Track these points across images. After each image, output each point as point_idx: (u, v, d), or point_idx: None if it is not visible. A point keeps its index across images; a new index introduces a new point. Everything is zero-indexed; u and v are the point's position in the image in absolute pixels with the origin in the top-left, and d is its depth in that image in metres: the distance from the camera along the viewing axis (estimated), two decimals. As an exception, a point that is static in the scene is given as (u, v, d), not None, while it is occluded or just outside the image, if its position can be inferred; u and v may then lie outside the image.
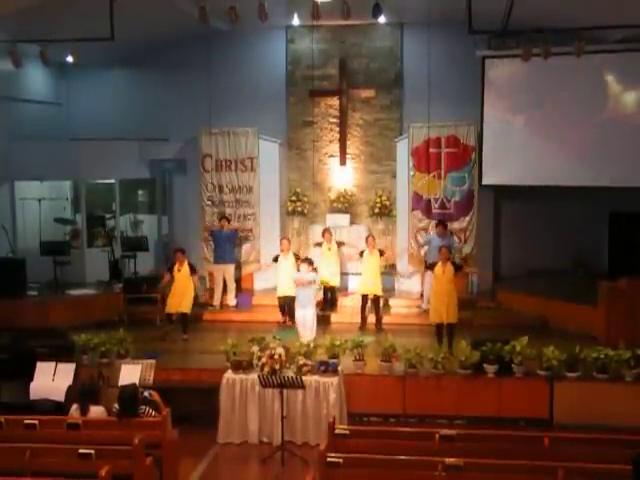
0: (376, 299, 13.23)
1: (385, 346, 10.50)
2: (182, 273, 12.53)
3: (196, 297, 13.13)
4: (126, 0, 10.64)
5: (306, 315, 11.69)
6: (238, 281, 14.73)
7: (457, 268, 11.77)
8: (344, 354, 10.38)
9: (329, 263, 13.79)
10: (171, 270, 12.63)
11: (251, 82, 15.72)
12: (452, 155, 14.34)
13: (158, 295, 13.69)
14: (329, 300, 13.89)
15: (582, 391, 9.94)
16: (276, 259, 13.28)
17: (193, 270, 12.69)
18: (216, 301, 14.31)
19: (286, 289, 12.92)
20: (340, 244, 14.10)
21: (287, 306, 13.05)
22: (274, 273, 13.72)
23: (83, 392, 8.06)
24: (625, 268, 12.71)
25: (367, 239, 13.32)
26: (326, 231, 14.02)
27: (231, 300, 14.34)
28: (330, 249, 13.87)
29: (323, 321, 13.09)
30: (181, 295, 12.50)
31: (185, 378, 10.59)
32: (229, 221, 14.52)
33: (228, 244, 14.28)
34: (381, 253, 13.29)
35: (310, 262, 11.92)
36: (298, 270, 12.30)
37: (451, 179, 14.39)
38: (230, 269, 14.34)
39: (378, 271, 13.23)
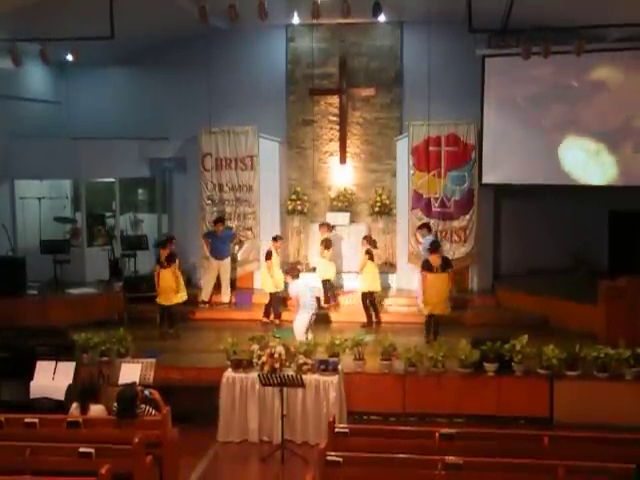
0: (372, 296, 13.34)
1: (385, 345, 10.50)
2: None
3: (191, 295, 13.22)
4: (126, -1, 10.65)
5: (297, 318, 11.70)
6: (233, 280, 14.73)
7: (449, 264, 12.03)
8: (344, 353, 10.40)
9: (324, 258, 13.90)
10: (159, 260, 12.69)
11: (251, 81, 15.72)
12: (452, 154, 14.34)
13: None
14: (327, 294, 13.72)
15: (582, 390, 9.94)
16: (269, 256, 13.38)
17: (173, 259, 12.62)
18: (204, 296, 14.30)
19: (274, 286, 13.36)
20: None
21: (274, 303, 13.23)
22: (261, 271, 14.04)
23: (83, 391, 8.06)
24: (625, 267, 12.72)
25: (366, 239, 13.43)
26: (323, 225, 14.16)
27: (225, 296, 14.34)
28: None
29: (323, 320, 13.12)
30: (169, 283, 12.50)
31: (185, 377, 10.59)
32: (224, 222, 14.53)
33: (222, 243, 14.33)
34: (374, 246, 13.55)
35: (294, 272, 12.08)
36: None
37: (451, 178, 14.39)
38: (226, 265, 14.36)
39: (376, 269, 13.35)
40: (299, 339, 11.12)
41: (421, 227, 13.91)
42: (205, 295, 14.33)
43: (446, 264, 11.97)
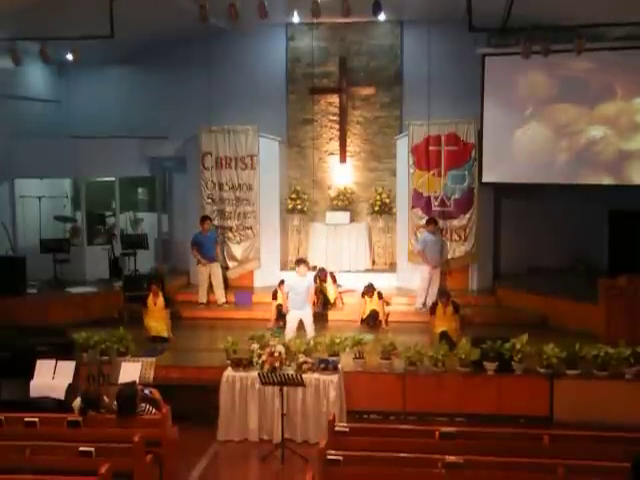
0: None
1: (385, 344, 10.50)
2: (157, 306, 12.24)
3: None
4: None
5: (304, 316, 11.65)
6: (225, 279, 14.65)
7: (456, 309, 11.87)
8: (344, 352, 10.39)
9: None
10: (145, 302, 12.30)
11: (251, 80, 15.74)
12: (452, 153, 14.34)
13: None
14: None
15: (582, 389, 9.94)
16: (275, 295, 13.14)
17: (168, 303, 12.42)
18: (202, 298, 14.22)
19: None
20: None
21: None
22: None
23: (85, 400, 8.01)
24: (625, 265, 12.72)
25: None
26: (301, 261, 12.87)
27: (220, 298, 14.25)
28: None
29: (322, 319, 13.12)
30: (157, 321, 12.19)
31: (185, 376, 10.60)
32: (211, 220, 14.46)
33: (211, 245, 14.25)
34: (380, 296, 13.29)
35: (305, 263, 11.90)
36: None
37: (451, 177, 14.38)
38: (216, 268, 14.26)
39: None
40: (311, 333, 11.26)
41: (428, 223, 13.84)
42: (202, 297, 14.24)
43: (455, 309, 11.85)
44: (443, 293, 12.19)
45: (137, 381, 8.77)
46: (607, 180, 13.74)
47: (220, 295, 14.26)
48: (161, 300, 12.31)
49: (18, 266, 13.74)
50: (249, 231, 15.09)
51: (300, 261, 11.91)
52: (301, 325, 11.72)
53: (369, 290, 13.10)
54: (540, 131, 14.10)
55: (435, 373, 10.22)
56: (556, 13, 12.02)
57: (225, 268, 14.75)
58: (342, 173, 15.91)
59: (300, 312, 11.66)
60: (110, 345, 10.72)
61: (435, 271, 13.64)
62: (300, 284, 11.61)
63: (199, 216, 14.88)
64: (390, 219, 15.52)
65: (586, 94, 13.74)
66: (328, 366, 9.70)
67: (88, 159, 15.03)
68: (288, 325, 11.74)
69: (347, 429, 7.57)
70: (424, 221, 14.13)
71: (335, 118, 15.82)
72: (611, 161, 13.67)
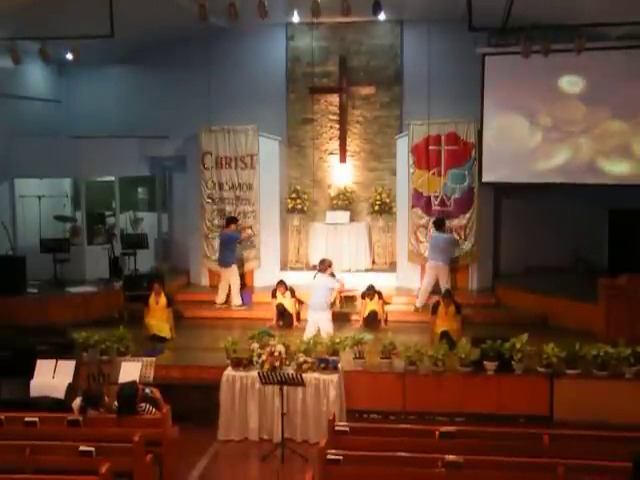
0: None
1: (385, 343, 10.51)
2: (159, 305, 12.21)
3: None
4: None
5: (320, 319, 11.57)
6: (242, 279, 14.64)
7: (458, 309, 11.84)
8: (344, 351, 10.40)
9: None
10: (147, 302, 12.26)
11: (251, 79, 15.73)
12: (452, 152, 14.33)
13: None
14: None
15: (582, 388, 9.95)
16: (274, 294, 13.17)
17: (170, 302, 12.40)
18: (220, 299, 14.24)
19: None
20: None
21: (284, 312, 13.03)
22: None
23: (86, 397, 8.01)
24: (625, 265, 12.71)
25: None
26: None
27: (218, 299, 14.22)
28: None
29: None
30: (159, 320, 12.16)
31: (185, 375, 10.61)
32: (237, 221, 14.48)
33: (234, 246, 14.26)
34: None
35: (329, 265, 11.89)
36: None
37: (451, 176, 14.39)
38: (235, 271, 14.25)
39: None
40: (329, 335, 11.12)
41: (439, 223, 13.81)
42: (220, 298, 14.14)
43: (457, 309, 11.81)
44: (446, 293, 12.19)
45: (137, 380, 8.78)
46: (607, 179, 13.71)
47: (218, 297, 14.25)
48: (163, 299, 12.31)
49: (18, 266, 13.74)
50: (249, 230, 15.09)
51: (326, 261, 11.89)
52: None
53: (369, 292, 13.06)
54: (540, 130, 14.09)
55: (435, 373, 10.23)
56: (556, 12, 12.01)
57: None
58: (342, 172, 15.90)
59: (317, 315, 11.61)
60: (110, 345, 10.73)
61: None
62: (320, 283, 11.63)
63: (199, 216, 14.96)
64: (390, 219, 15.51)
65: (586, 92, 13.73)
66: (328, 365, 9.71)
67: (88, 159, 15.03)
68: (307, 328, 11.68)
69: (347, 429, 7.58)
70: (430, 222, 14.19)
71: (335, 117, 15.82)
72: (611, 160, 13.67)
